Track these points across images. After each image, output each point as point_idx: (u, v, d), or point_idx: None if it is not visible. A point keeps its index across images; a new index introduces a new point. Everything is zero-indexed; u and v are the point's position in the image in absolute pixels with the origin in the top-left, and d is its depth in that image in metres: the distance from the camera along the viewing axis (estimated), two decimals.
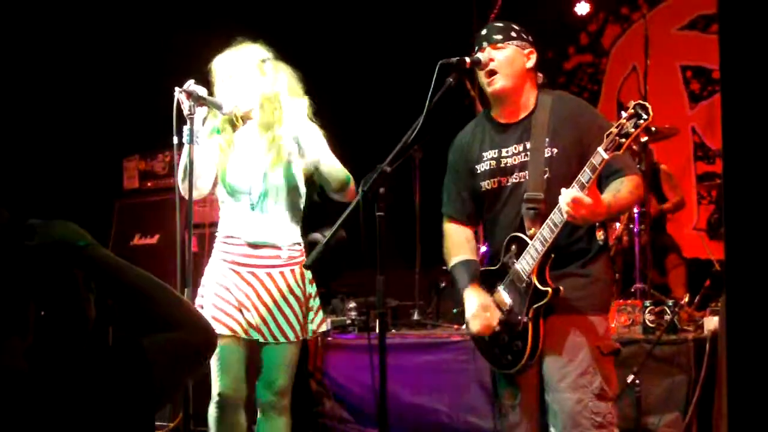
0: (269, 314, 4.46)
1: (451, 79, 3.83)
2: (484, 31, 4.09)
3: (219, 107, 4.52)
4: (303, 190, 4.65)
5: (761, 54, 1.70)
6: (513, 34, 4.07)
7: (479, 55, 4.04)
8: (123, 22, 8.21)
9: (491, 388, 4.26)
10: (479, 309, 4.03)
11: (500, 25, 4.10)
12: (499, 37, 4.03)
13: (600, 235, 4.02)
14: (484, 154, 4.14)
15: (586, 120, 4.01)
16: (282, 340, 4.47)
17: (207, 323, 2.19)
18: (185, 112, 4.53)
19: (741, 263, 1.85)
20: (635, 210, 7.03)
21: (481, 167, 4.13)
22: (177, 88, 4.50)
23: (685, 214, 8.49)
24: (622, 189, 3.89)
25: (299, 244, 4.60)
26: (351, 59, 9.11)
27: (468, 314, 4.07)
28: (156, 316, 2.05)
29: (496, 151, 4.11)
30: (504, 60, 4.04)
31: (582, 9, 9.27)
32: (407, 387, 6.46)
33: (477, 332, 4.05)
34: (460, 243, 4.26)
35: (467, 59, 3.92)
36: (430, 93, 3.70)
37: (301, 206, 4.67)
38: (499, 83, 4.05)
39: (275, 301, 4.47)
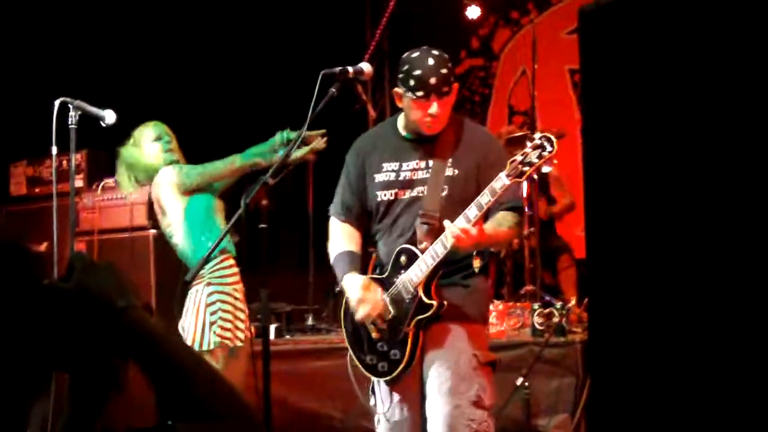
0: None
1: (333, 89, 3.83)
2: (432, 80, 3.91)
3: (102, 118, 4.60)
4: None
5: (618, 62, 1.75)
6: (452, 78, 4.02)
7: (409, 94, 3.99)
8: (8, 26, 8.03)
9: (369, 395, 4.27)
10: (362, 291, 4.03)
11: (445, 71, 3.96)
12: (447, 89, 3.97)
13: (476, 263, 4.08)
14: (384, 164, 4.15)
15: (486, 148, 4.09)
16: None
17: (257, 418, 1.84)
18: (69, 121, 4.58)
19: (600, 261, 1.90)
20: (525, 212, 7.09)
21: (380, 177, 4.15)
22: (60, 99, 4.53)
23: (575, 216, 8.61)
24: (504, 223, 4.00)
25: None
26: (241, 68, 9.05)
27: (353, 300, 4.06)
28: (195, 402, 1.72)
29: (397, 164, 4.13)
30: (446, 109, 4.04)
31: (473, 13, 9.33)
32: (300, 393, 6.43)
33: (364, 317, 4.04)
34: (344, 237, 4.25)
35: (350, 69, 3.91)
36: (312, 103, 3.70)
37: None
38: (438, 128, 4.06)
39: None
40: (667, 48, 1.68)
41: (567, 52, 9.01)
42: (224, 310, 4.95)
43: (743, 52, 1.58)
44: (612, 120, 1.80)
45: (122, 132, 5.20)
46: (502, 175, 3.76)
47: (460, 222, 3.78)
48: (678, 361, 1.77)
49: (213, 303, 4.93)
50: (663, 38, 1.70)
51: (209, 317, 4.91)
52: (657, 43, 1.71)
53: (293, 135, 4.88)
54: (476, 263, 4.07)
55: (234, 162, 5.02)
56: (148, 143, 5.18)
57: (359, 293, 4.03)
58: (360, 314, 4.04)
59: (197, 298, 4.95)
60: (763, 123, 1.56)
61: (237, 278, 5.08)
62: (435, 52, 4.01)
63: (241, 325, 5.02)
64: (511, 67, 9.71)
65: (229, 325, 4.94)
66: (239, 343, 4.98)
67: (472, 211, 3.79)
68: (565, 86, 9.30)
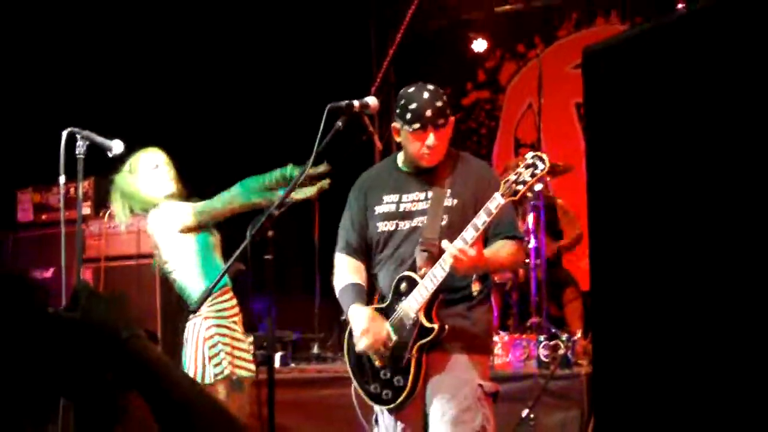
0: None
1: (339, 123, 3.88)
2: (428, 113, 3.99)
3: (109, 148, 4.63)
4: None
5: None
6: (448, 111, 4.08)
7: (406, 127, 4.04)
8: (17, 51, 8.09)
9: (373, 425, 4.28)
10: (367, 322, 4.05)
11: (440, 104, 4.03)
12: (442, 121, 4.04)
13: (476, 287, 4.11)
14: (384, 197, 4.21)
15: (485, 180, 4.14)
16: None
17: None
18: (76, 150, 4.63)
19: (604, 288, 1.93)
20: (531, 245, 7.10)
21: (381, 209, 4.20)
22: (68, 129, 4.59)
23: (581, 248, 8.61)
24: (502, 250, 4.06)
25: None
26: (247, 100, 9.10)
27: (356, 331, 4.09)
28: None
29: (397, 195, 4.19)
30: (443, 141, 4.10)
31: (479, 46, 9.39)
32: (305, 422, 6.43)
33: (367, 347, 4.06)
34: (349, 270, 4.29)
35: (356, 103, 3.96)
36: (318, 137, 3.74)
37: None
38: (435, 160, 4.12)
39: None
40: (674, 91, 1.71)
41: (573, 85, 9.02)
42: (224, 343, 4.93)
43: (753, 98, 1.60)
44: (616, 162, 1.82)
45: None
46: (497, 195, 3.83)
47: (458, 243, 3.82)
48: (685, 397, 1.78)
49: (211, 337, 4.91)
50: (669, 81, 1.72)
51: (208, 351, 4.89)
52: (663, 86, 1.73)
53: (296, 172, 4.88)
54: (475, 287, 4.11)
55: (233, 202, 4.99)
56: (146, 171, 5.13)
57: (364, 324, 4.06)
58: (362, 345, 4.07)
59: (195, 331, 4.93)
60: None
61: (236, 310, 5.06)
62: (430, 87, 4.09)
63: (245, 355, 5.01)
64: (517, 99, 9.75)
65: (228, 358, 4.92)
66: (244, 373, 4.97)
67: (469, 233, 3.85)
68: (571, 119, 9.33)
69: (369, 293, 4.29)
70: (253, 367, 5.02)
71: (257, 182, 5.00)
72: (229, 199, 5.01)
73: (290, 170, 4.92)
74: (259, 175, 5.02)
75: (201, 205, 5.05)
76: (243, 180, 5.05)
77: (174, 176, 5.20)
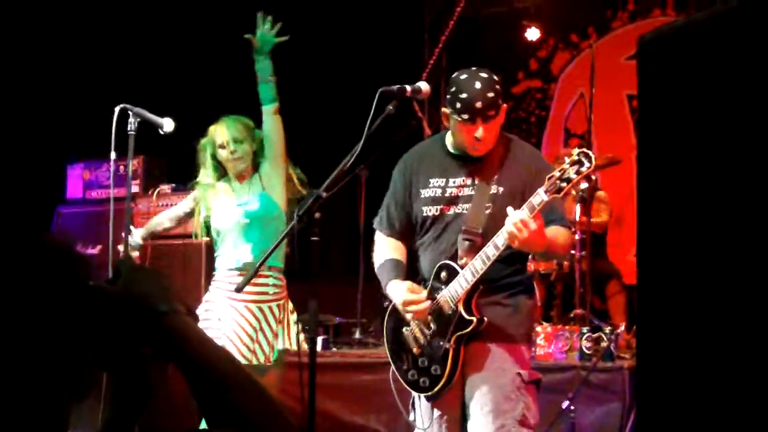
0: None
1: (391, 107, 3.84)
2: (478, 104, 3.89)
3: (160, 126, 4.63)
4: None
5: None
6: (500, 100, 3.97)
7: (455, 116, 3.97)
8: (69, 29, 8.15)
9: (410, 410, 4.27)
10: (407, 294, 4.02)
11: (492, 95, 3.91)
12: (493, 112, 3.93)
13: (515, 278, 4.10)
14: (431, 180, 4.15)
15: (535, 168, 4.04)
16: None
17: (294, 428, 1.82)
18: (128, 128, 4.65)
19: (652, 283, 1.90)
20: (576, 236, 7.06)
21: (426, 192, 4.15)
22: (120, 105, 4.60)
23: (626, 241, 8.55)
24: (559, 236, 3.99)
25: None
26: (300, 83, 9.11)
27: (399, 303, 4.06)
28: (231, 409, 1.73)
29: (444, 180, 4.13)
30: (493, 131, 4.02)
31: (532, 35, 9.35)
32: (346, 406, 6.46)
33: (414, 316, 4.04)
34: (389, 248, 4.28)
35: (408, 88, 3.90)
36: (369, 120, 3.72)
37: None
38: (484, 150, 4.05)
39: None
40: (732, 81, 1.68)
41: (626, 77, 8.94)
42: (255, 328, 4.87)
43: None
44: (668, 151, 1.80)
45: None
46: (540, 191, 3.73)
47: (521, 214, 3.72)
48: (729, 395, 1.76)
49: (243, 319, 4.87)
50: (727, 70, 1.69)
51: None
52: (720, 75, 1.70)
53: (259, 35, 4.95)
54: (515, 278, 4.09)
55: (269, 111, 4.97)
56: (215, 148, 5.01)
57: (404, 296, 4.03)
58: (409, 315, 4.05)
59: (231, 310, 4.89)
60: None
61: (272, 297, 4.94)
62: (483, 75, 3.97)
63: (263, 341, 4.89)
64: (569, 89, 9.68)
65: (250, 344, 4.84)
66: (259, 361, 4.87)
67: (509, 226, 3.76)
68: (622, 111, 9.25)
69: (410, 275, 4.28)
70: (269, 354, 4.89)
71: (266, 75, 5.01)
72: (267, 116, 4.99)
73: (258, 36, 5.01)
74: (262, 84, 5.01)
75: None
76: (262, 99, 5.01)
77: (247, 151, 5.04)
